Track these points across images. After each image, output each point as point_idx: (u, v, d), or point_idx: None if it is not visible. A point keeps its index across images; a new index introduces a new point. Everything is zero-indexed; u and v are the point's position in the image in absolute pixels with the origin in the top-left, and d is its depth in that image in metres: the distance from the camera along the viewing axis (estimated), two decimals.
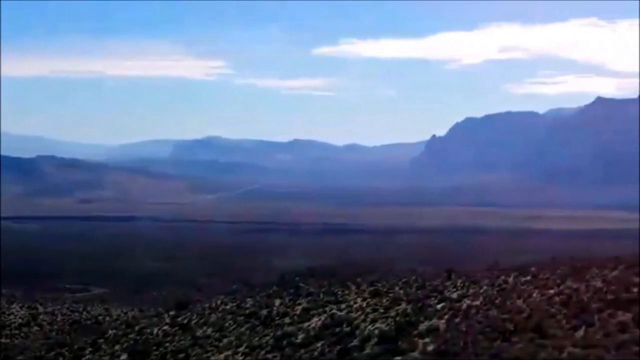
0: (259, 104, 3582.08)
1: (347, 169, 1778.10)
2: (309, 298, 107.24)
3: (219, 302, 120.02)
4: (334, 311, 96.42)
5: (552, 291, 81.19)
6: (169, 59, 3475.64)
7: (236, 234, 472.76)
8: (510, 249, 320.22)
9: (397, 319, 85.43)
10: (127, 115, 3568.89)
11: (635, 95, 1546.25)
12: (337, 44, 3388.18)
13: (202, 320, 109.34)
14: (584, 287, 79.66)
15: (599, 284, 79.54)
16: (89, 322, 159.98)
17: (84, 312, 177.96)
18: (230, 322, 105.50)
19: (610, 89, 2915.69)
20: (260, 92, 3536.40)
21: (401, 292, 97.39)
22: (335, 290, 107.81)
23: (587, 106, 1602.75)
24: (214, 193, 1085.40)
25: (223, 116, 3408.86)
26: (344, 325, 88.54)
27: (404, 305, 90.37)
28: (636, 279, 78.76)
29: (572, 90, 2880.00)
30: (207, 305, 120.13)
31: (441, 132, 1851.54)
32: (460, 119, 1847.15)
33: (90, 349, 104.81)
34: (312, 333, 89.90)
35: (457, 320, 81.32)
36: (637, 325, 69.17)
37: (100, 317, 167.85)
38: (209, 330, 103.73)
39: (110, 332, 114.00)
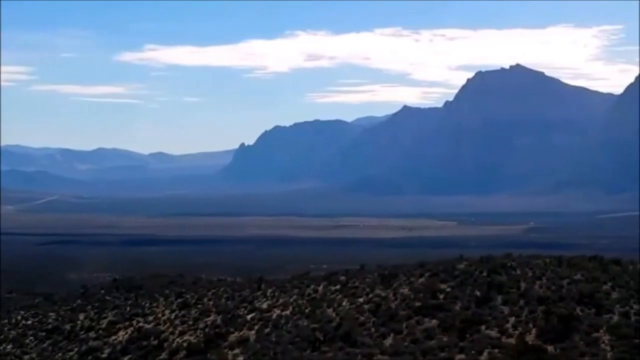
0: (60, 111, 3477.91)
1: (154, 178, 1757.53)
2: (115, 311, 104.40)
3: (19, 317, 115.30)
4: (141, 324, 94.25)
5: (361, 299, 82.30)
6: None
7: (36, 246, 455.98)
8: (320, 258, 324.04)
9: (207, 330, 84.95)
10: None
11: (440, 104, 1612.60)
12: (141, 49, 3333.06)
13: (1, 337, 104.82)
14: (392, 294, 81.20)
15: (406, 291, 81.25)
16: None
17: None
18: (32, 338, 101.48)
19: (415, 97, 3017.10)
20: (62, 99, 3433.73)
21: (210, 303, 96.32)
22: (143, 303, 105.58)
23: (394, 115, 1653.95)
24: (12, 204, 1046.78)
25: (22, 124, 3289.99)
26: (152, 339, 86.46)
27: (213, 316, 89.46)
28: (442, 286, 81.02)
29: (379, 99, 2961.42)
30: (6, 321, 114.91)
31: (250, 140, 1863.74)
32: (269, 127, 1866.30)
33: None
34: (118, 347, 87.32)
35: (267, 330, 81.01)
36: (443, 331, 70.92)
37: None
38: (9, 347, 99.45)
39: None
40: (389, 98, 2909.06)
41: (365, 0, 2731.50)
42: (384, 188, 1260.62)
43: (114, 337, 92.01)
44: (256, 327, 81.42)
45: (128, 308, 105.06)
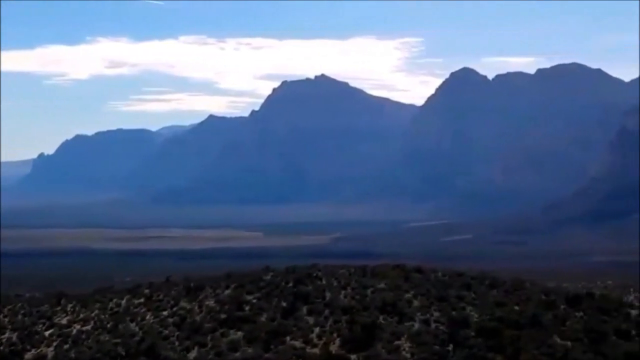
0: None
1: None
2: None
3: None
4: None
5: (165, 313, 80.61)
6: None
7: None
8: (124, 271, 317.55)
9: (1, 348, 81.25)
10: None
11: (247, 114, 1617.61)
12: None
13: None
14: (197, 307, 79.97)
15: (212, 303, 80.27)
16: None
17: None
18: None
19: (222, 107, 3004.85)
20: None
21: (6, 320, 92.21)
22: None
23: (199, 124, 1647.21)
24: None
25: None
26: None
27: (8, 333, 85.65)
28: (248, 297, 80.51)
29: (185, 108, 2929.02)
30: None
31: (50, 150, 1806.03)
32: (70, 136, 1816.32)
33: None
34: None
35: (66, 346, 77.98)
36: (248, 343, 70.38)
37: None
38: None
39: None
40: (195, 107, 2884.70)
41: (168, 8, 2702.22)
42: (191, 198, 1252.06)
43: None
44: (55, 344, 78.30)
45: None
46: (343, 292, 78.19)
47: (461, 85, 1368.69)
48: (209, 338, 70.79)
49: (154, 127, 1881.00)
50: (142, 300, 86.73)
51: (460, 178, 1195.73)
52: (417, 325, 69.17)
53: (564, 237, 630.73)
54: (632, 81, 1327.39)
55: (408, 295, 76.18)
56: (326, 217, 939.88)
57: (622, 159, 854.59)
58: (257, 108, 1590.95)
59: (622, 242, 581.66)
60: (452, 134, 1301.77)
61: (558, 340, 67.36)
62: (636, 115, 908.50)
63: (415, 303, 74.18)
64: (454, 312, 71.42)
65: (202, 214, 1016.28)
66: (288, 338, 67.79)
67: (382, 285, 79.63)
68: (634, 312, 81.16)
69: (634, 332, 71.91)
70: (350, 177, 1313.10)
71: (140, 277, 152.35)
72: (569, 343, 66.85)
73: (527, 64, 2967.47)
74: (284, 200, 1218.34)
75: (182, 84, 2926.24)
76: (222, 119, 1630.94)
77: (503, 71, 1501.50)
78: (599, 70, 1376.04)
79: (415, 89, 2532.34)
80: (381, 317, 70.21)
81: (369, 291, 77.88)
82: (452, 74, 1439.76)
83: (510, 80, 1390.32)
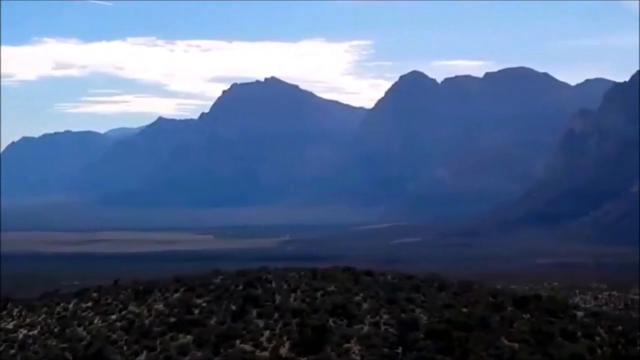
0: None
1: None
2: None
3: None
4: None
5: (114, 316, 79.90)
6: None
7: None
8: (71, 275, 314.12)
9: None
10: None
11: (196, 116, 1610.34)
12: None
13: None
14: (146, 311, 79.40)
15: (161, 307, 79.72)
16: None
17: None
18: None
19: (171, 109, 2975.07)
20: None
21: None
22: None
23: (149, 126, 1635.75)
24: None
25: None
26: None
27: None
28: (198, 300, 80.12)
29: (134, 110, 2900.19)
30: None
31: None
32: (16, 138, 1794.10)
33: None
34: None
35: (12, 351, 76.94)
36: (197, 347, 70.07)
37: None
38: None
39: None
40: (144, 109, 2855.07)
41: (117, 8, 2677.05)
42: (141, 201, 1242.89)
43: None
44: (1, 349, 77.29)
45: None
46: (293, 295, 78.19)
47: (411, 89, 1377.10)
48: (158, 342, 70.35)
49: (102, 129, 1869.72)
50: (90, 304, 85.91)
51: (410, 181, 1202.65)
52: (366, 328, 69.42)
53: (511, 239, 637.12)
54: (579, 85, 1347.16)
55: (358, 298, 76.41)
56: (277, 220, 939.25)
57: (569, 162, 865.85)
58: (206, 110, 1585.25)
59: (569, 244, 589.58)
60: (401, 137, 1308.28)
61: (505, 341, 68.05)
62: (582, 119, 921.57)
63: (365, 306, 74.44)
64: (403, 315, 71.78)
65: (152, 217, 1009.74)
66: (238, 341, 67.63)
67: (332, 288, 79.76)
68: (579, 314, 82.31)
69: (579, 334, 72.93)
70: (301, 180, 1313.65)
71: (88, 281, 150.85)
72: (516, 345, 67.58)
73: (475, 67, 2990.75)
74: (234, 203, 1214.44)
75: (131, 86, 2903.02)
76: (172, 121, 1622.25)
77: (452, 74, 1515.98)
78: (545, 74, 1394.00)
79: (365, 92, 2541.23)
80: (331, 320, 70.33)
81: (319, 294, 77.98)
82: (402, 77, 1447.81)
83: (459, 84, 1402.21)
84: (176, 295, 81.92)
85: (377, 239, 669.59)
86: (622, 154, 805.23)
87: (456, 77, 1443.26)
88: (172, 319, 73.99)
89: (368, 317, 71.59)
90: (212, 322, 72.45)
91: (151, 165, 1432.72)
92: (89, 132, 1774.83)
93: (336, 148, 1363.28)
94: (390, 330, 68.82)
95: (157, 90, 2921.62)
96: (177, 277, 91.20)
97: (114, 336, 73.72)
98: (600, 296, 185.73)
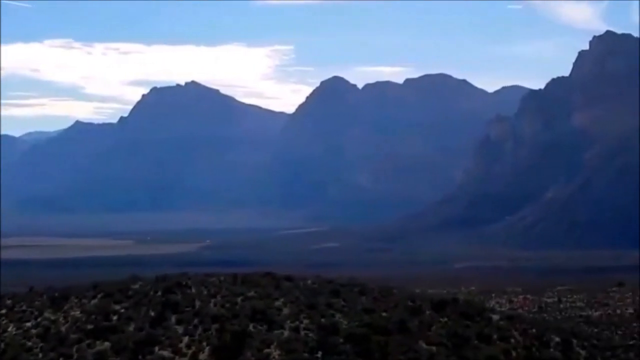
0: None
1: None
2: None
3: None
4: None
5: (29, 324, 78.43)
6: None
7: None
8: None
9: None
10: None
11: (115, 120, 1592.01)
12: None
13: None
14: (62, 318, 78.12)
15: (78, 313, 78.51)
16: None
17: None
18: None
19: (88, 112, 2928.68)
20: None
21: None
22: None
23: (65, 130, 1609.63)
24: None
25: None
26: None
27: None
28: (116, 307, 79.10)
29: (50, 113, 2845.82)
30: None
31: None
32: None
33: None
34: None
35: None
36: (115, 354, 69.27)
37: None
38: None
39: None
40: (60, 112, 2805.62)
41: (34, 9, 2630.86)
42: (57, 207, 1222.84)
43: None
44: None
45: None
46: (213, 300, 77.81)
47: (332, 94, 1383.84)
48: (74, 349, 69.30)
49: (17, 133, 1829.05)
50: (4, 311, 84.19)
51: (331, 185, 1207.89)
52: (286, 333, 69.50)
53: (430, 243, 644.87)
54: (496, 92, 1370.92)
55: (278, 303, 76.43)
56: (198, 225, 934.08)
57: (485, 168, 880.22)
58: (125, 114, 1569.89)
59: (486, 248, 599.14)
60: (323, 142, 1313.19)
61: (424, 345, 68.89)
62: (499, 125, 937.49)
63: (285, 311, 74.50)
64: (323, 319, 72.07)
65: (69, 223, 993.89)
66: (157, 348, 67.04)
67: (252, 293, 79.60)
68: (495, 317, 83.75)
69: (495, 336, 74.24)
70: (222, 184, 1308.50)
71: (2, 288, 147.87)
72: (434, 348, 68.46)
73: (396, 73, 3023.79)
74: (155, 209, 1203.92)
75: (47, 89, 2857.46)
76: (90, 125, 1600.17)
77: (373, 80, 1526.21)
78: (464, 81, 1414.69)
79: (286, 97, 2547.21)
80: (251, 325, 70.23)
81: (239, 299, 77.77)
82: (323, 83, 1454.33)
83: (379, 89, 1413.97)
84: (93, 301, 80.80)
85: (298, 243, 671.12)
86: (537, 159, 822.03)
87: (377, 82, 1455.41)
88: (89, 326, 72.95)
89: (288, 322, 71.68)
90: (131, 328, 71.66)
91: (68, 169, 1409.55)
92: (4, 136, 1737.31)
93: (258, 153, 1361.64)
94: (310, 335, 69.04)
95: (74, 93, 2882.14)
96: (95, 283, 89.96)
97: (29, 344, 72.39)
98: (515, 299, 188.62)
